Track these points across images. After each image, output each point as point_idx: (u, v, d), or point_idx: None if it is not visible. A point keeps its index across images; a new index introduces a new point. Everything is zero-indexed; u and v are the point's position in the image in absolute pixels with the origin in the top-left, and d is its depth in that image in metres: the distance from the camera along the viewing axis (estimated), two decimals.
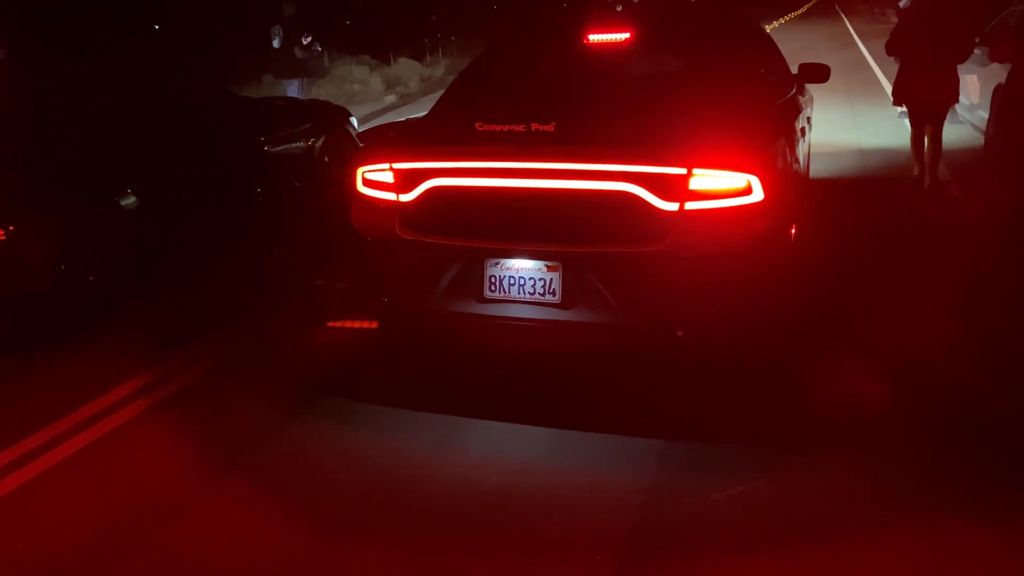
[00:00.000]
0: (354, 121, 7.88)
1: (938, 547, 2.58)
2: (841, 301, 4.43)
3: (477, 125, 3.50)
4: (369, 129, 4.05)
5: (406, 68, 19.04)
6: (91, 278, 4.73)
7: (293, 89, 9.71)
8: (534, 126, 3.37)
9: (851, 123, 9.70)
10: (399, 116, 10.18)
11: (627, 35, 4.23)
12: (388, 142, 3.83)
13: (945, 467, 3.02)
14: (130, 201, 5.02)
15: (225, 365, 4.24)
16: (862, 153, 8.25)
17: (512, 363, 3.85)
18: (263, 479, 3.23)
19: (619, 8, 9.33)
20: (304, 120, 6.90)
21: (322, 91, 13.97)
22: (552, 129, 3.36)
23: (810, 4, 37.42)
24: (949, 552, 2.55)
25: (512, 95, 4.03)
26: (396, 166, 3.60)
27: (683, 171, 3.17)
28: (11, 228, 4.30)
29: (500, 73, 4.41)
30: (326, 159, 7.06)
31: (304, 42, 9.45)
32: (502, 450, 3.35)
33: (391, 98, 15.05)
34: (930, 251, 5.21)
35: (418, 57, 20.98)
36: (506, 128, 3.42)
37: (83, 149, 4.92)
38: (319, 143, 6.95)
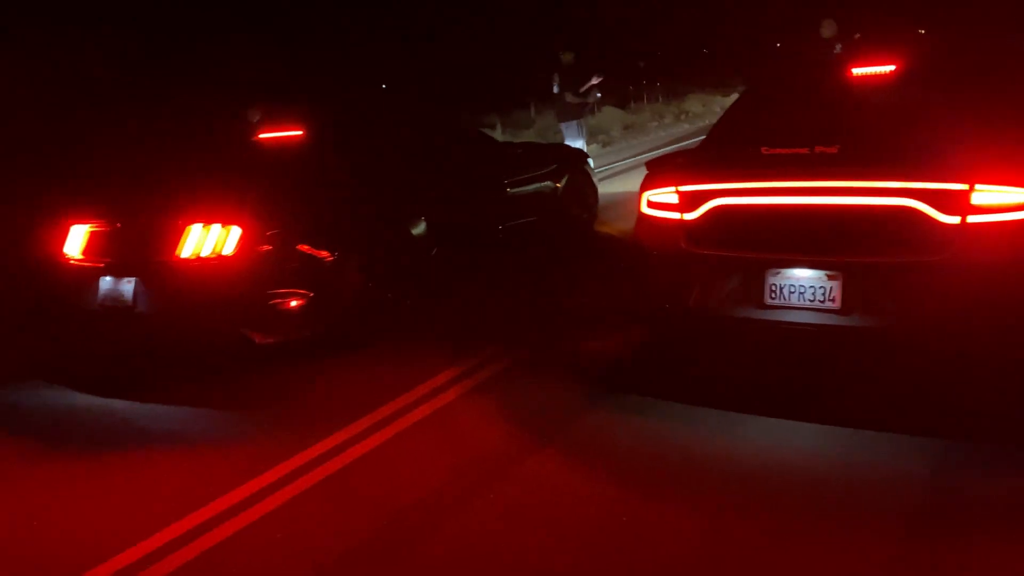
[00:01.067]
0: (591, 162, 8.57)
1: None
2: None
3: (763, 150, 3.94)
4: (654, 159, 4.60)
5: (609, 116, 19.64)
6: (388, 294, 5.53)
7: (573, 130, 10.47)
8: (818, 149, 3.76)
9: None
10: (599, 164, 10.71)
11: (893, 67, 4.51)
12: (671, 169, 4.32)
13: None
14: (420, 229, 5.83)
15: (518, 364, 4.86)
16: None
17: (786, 364, 4.18)
18: (573, 450, 3.76)
19: (838, 47, 9.32)
20: (551, 161, 7.60)
21: (526, 138, 14.90)
22: (836, 151, 3.73)
23: None
24: None
25: (785, 124, 4.41)
26: (682, 189, 4.10)
27: (965, 187, 3.43)
28: (336, 252, 5.15)
29: (767, 106, 4.82)
30: (568, 196, 7.72)
31: (595, 81, 10.10)
32: (779, 441, 3.68)
33: (594, 146, 15.60)
34: None
35: (622, 104, 21.54)
36: (791, 151, 3.83)
37: (386, 188, 5.79)
38: (563, 182, 7.63)
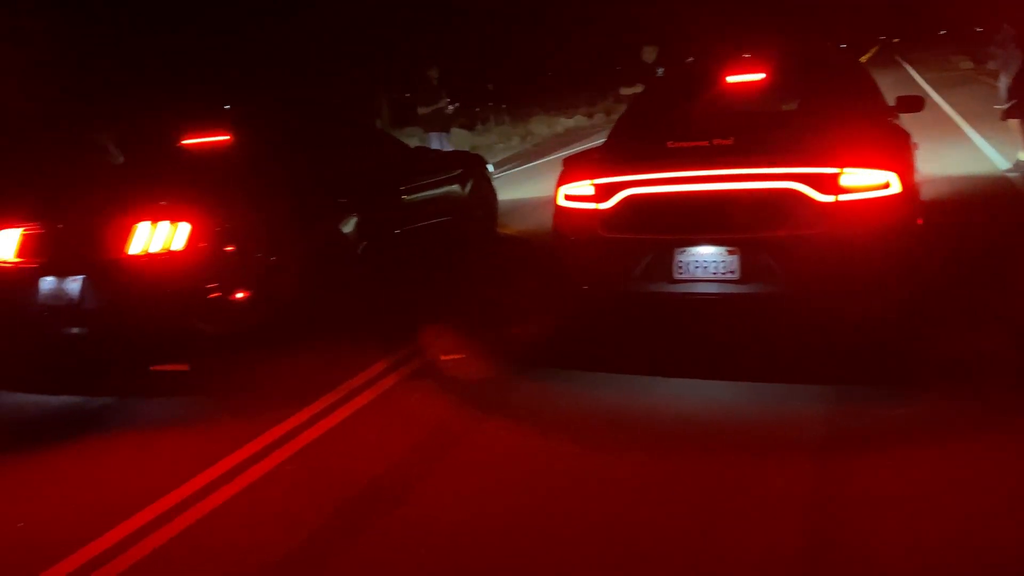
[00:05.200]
0: (490, 167, 9.08)
1: None
2: (962, 278, 5.29)
3: (668, 144, 4.53)
4: (569, 156, 5.14)
5: (458, 138, 19.52)
6: (323, 289, 5.80)
7: (435, 141, 11.08)
8: (716, 141, 4.39)
9: (934, 157, 10.49)
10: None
11: (764, 75, 5.25)
12: (585, 165, 4.86)
13: None
14: (349, 227, 6.11)
15: (448, 352, 5.23)
16: (950, 180, 9.07)
17: (694, 330, 4.78)
18: (515, 419, 4.19)
19: (660, 71, 10.42)
20: (458, 166, 8.06)
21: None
22: (731, 143, 4.37)
23: (870, 54, 38.27)
24: None
25: (682, 122, 5.06)
26: (597, 182, 4.64)
27: (837, 170, 4.13)
28: (277, 248, 5.43)
29: (661, 108, 5.48)
30: (473, 199, 8.20)
31: (445, 104, 10.96)
32: (694, 397, 4.25)
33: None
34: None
35: (470, 126, 21.92)
36: (693, 144, 4.44)
37: (316, 188, 6.06)
38: (469, 185, 8.10)
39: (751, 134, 4.56)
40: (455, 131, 20.65)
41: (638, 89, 10.60)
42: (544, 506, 3.34)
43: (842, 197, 4.13)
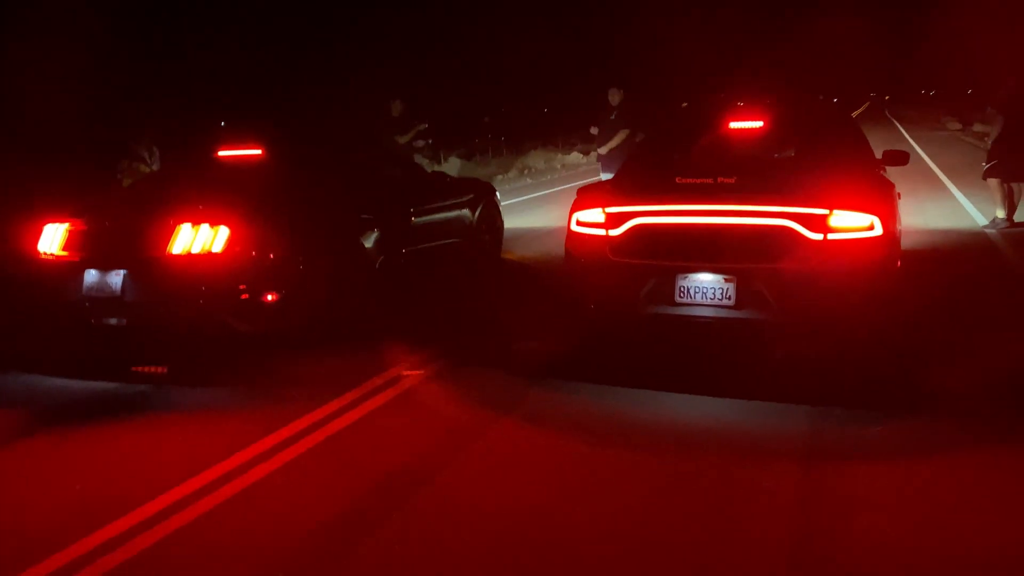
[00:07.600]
0: (498, 196, 9.51)
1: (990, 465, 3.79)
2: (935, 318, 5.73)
3: (677, 179, 4.96)
4: (584, 186, 5.56)
5: (453, 167, 20.13)
6: (346, 296, 6.17)
7: None
8: (720, 179, 4.82)
9: (919, 211, 11.03)
10: None
11: (762, 123, 5.72)
12: (598, 194, 5.28)
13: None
14: (370, 241, 6.49)
15: (462, 359, 5.61)
16: (932, 233, 9.57)
17: (691, 350, 5.16)
18: (527, 420, 4.54)
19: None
20: (468, 192, 8.48)
21: None
22: (733, 182, 4.80)
23: (861, 109, 39.27)
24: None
25: (688, 160, 5.51)
26: (608, 210, 5.05)
27: (827, 211, 4.56)
28: (306, 257, 5.78)
29: (668, 146, 5.94)
30: (482, 223, 8.61)
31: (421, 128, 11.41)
32: (690, 409, 4.63)
33: None
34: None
35: (468, 157, 22.60)
36: (699, 181, 4.87)
37: (341, 203, 6.45)
38: (479, 210, 8.51)
39: (751, 175, 5.00)
40: (452, 159, 21.19)
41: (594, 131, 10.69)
42: (559, 492, 3.68)
43: (830, 236, 4.56)
